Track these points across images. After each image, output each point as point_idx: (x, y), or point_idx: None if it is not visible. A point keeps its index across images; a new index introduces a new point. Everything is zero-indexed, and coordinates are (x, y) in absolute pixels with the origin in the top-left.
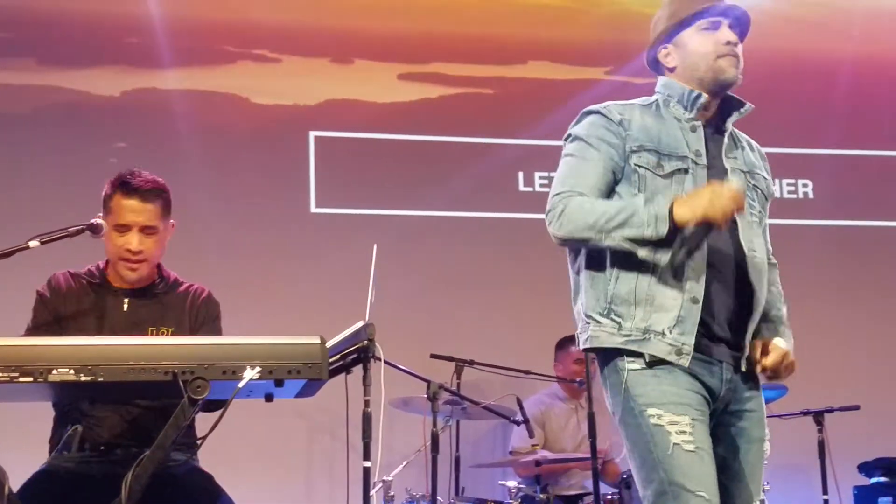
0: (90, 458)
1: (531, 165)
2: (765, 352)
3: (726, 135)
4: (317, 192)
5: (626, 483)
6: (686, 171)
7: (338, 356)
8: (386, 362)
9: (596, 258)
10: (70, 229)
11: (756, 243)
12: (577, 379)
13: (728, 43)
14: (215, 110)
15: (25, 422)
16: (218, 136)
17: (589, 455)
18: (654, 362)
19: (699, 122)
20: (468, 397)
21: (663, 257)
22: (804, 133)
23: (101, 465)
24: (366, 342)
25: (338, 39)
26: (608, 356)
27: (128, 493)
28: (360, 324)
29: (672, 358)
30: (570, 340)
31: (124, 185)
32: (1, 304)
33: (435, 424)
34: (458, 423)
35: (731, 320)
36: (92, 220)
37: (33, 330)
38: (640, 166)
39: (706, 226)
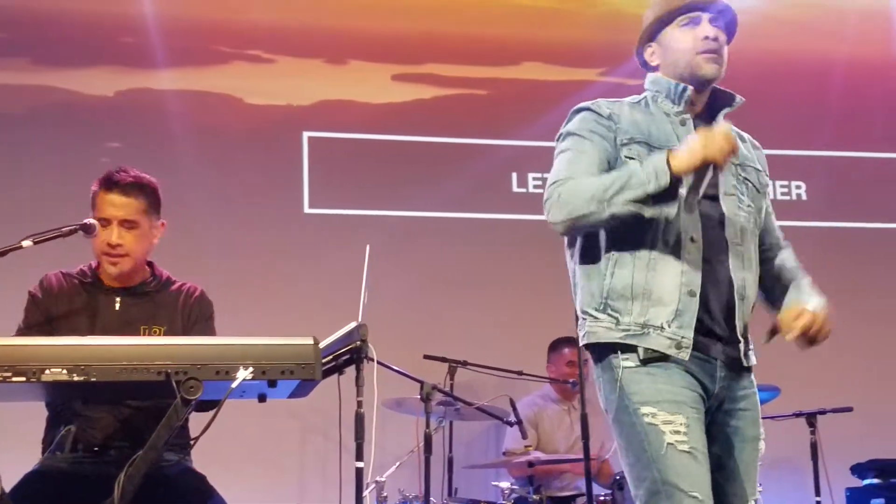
0: (83, 459)
1: (525, 166)
2: (792, 321)
3: (716, 124)
4: (310, 193)
5: (618, 484)
6: None
7: (331, 357)
8: (379, 363)
9: (590, 252)
10: (63, 229)
11: (744, 237)
12: (571, 380)
13: (706, 38)
14: (209, 111)
15: (18, 422)
16: (212, 137)
17: (582, 456)
18: (649, 360)
19: (688, 116)
20: (461, 398)
21: (659, 250)
22: (797, 134)
23: (94, 466)
24: (359, 343)
25: (332, 40)
26: (602, 353)
27: (120, 493)
28: (353, 324)
29: (672, 352)
30: (562, 342)
31: (107, 181)
32: None
33: (428, 425)
34: (451, 423)
35: (726, 316)
36: (85, 220)
37: (24, 331)
38: (630, 158)
39: (698, 180)
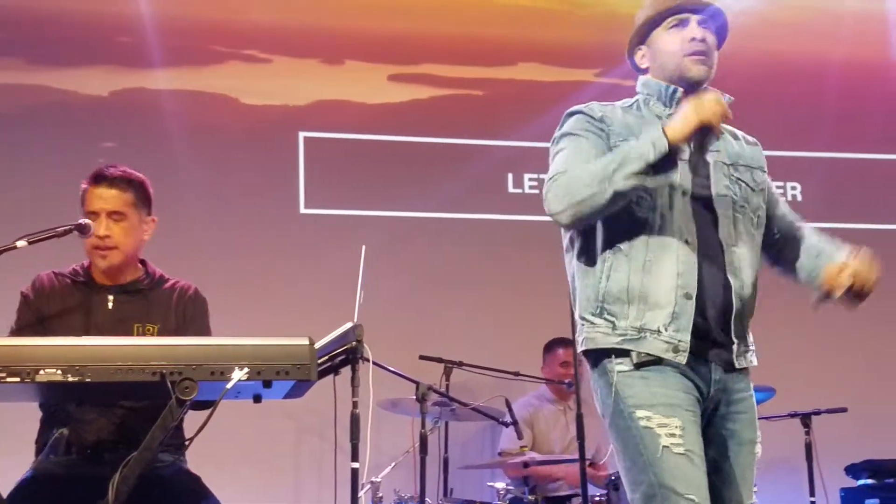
0: (77, 462)
1: (520, 167)
2: (836, 278)
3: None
4: (306, 193)
5: (613, 485)
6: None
7: (326, 357)
8: (374, 363)
9: (587, 255)
10: (58, 229)
11: (739, 238)
12: (566, 381)
13: (694, 39)
14: (204, 110)
15: (12, 423)
16: (207, 137)
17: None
18: (643, 364)
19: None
20: (457, 399)
21: (654, 252)
22: (792, 136)
23: (88, 468)
24: (354, 343)
25: (328, 40)
26: (597, 358)
27: (115, 494)
28: (348, 325)
29: (669, 356)
30: (557, 343)
31: (95, 176)
32: None
33: (423, 426)
34: (446, 424)
35: (720, 318)
36: (80, 221)
37: (16, 332)
38: None
39: (699, 145)
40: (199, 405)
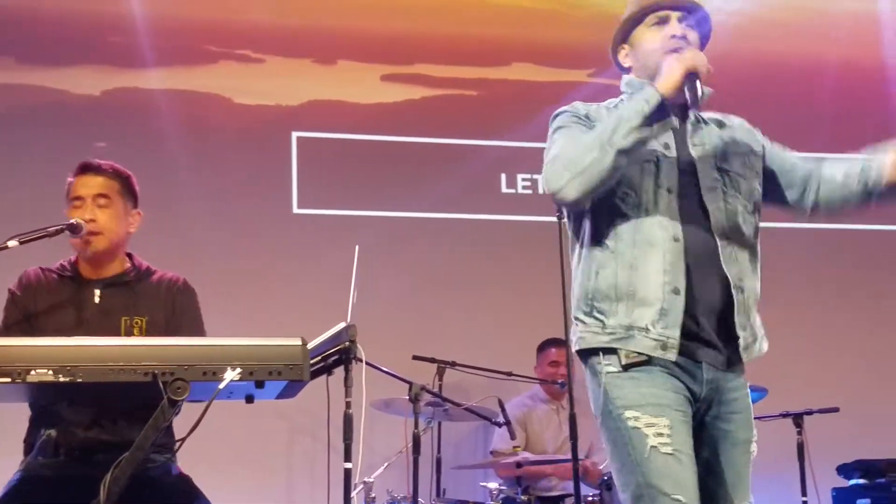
0: (66, 463)
1: (514, 167)
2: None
3: (688, 121)
4: (299, 193)
5: (606, 485)
6: (656, 161)
7: (319, 357)
8: (367, 364)
9: (581, 254)
10: (49, 229)
11: (733, 229)
12: (559, 381)
13: (674, 37)
14: (197, 110)
15: (2, 422)
16: (200, 136)
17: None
18: (631, 364)
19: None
20: (450, 399)
21: (641, 249)
22: (787, 136)
23: (77, 470)
24: (347, 343)
25: (321, 40)
26: (589, 358)
27: (106, 495)
28: (341, 325)
29: (658, 353)
30: (550, 343)
31: (80, 166)
32: None
33: (416, 426)
34: (439, 424)
35: (713, 314)
36: (71, 220)
37: (3, 330)
38: None
39: (693, 94)
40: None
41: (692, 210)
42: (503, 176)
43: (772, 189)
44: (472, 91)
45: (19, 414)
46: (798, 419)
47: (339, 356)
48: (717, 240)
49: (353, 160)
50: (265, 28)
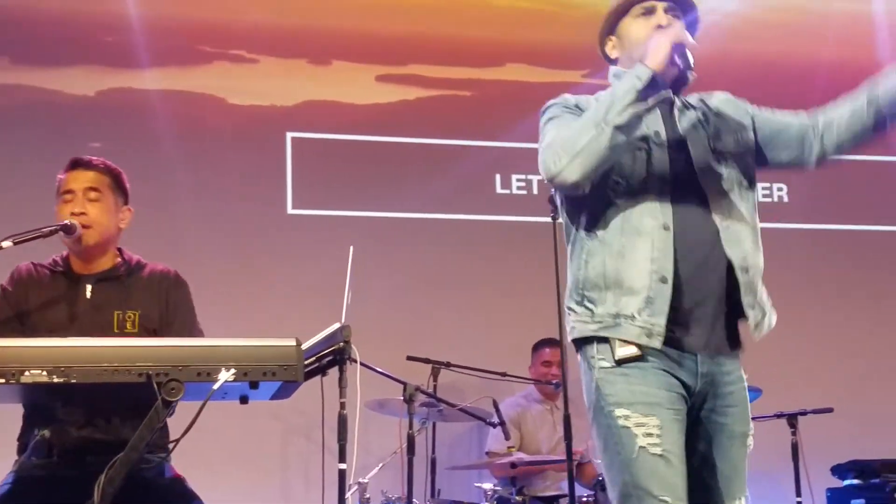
0: (61, 464)
1: (508, 168)
2: None
3: (676, 107)
4: (294, 194)
5: (601, 485)
6: (647, 149)
7: (313, 358)
8: (362, 364)
9: (573, 245)
10: (43, 230)
11: (733, 209)
12: (554, 381)
13: (660, 27)
14: (192, 110)
15: None
16: (194, 137)
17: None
18: (624, 360)
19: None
20: (444, 399)
21: (629, 237)
22: None
23: (70, 470)
24: (341, 344)
25: (316, 40)
26: (583, 350)
27: (100, 495)
28: (335, 326)
29: (643, 341)
30: (544, 343)
31: (71, 162)
32: None
33: (411, 426)
34: (434, 425)
35: (712, 298)
36: (65, 221)
37: None
38: None
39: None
40: None
41: (688, 195)
42: (498, 176)
43: (770, 154)
44: (466, 91)
45: (13, 413)
46: (792, 419)
47: (333, 357)
48: (718, 223)
49: (348, 161)
50: (259, 28)
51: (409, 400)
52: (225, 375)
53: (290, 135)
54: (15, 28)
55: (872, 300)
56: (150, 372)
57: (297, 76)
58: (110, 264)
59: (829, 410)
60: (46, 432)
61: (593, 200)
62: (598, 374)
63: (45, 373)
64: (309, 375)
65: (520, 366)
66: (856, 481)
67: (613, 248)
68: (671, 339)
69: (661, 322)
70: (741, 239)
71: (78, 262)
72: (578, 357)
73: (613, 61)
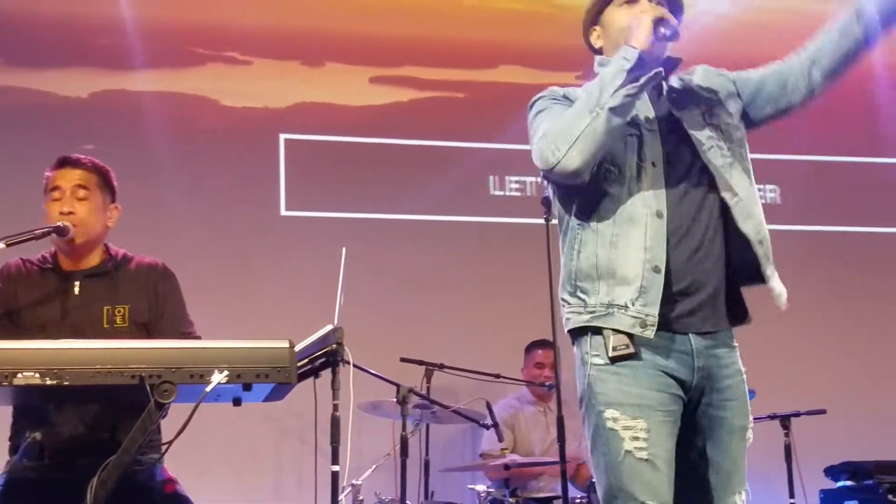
0: (52, 466)
1: (502, 169)
2: None
3: (665, 91)
4: (287, 195)
5: (594, 487)
6: (639, 136)
7: (306, 360)
8: (355, 366)
9: (564, 235)
10: (36, 231)
11: (739, 185)
12: (546, 383)
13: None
14: (185, 112)
15: None
16: (188, 139)
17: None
18: (618, 357)
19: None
20: (438, 401)
21: (621, 227)
22: (770, 138)
23: (62, 473)
24: (335, 346)
25: (309, 42)
26: (579, 343)
27: (93, 498)
28: (328, 327)
29: (636, 331)
30: (536, 344)
31: (58, 161)
32: None
33: (404, 428)
34: (427, 426)
35: (703, 289)
36: (58, 223)
37: None
38: None
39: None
40: None
41: (684, 179)
42: (491, 178)
43: (754, 114)
44: (460, 93)
45: (2, 414)
46: (785, 421)
47: (326, 358)
48: (728, 199)
49: (341, 162)
50: (253, 30)
51: (402, 402)
52: (218, 377)
53: (283, 136)
54: (9, 30)
55: (865, 302)
56: (143, 374)
57: (290, 78)
58: (98, 261)
59: (823, 412)
60: (38, 434)
61: (586, 190)
62: (591, 371)
63: (37, 375)
64: (302, 377)
65: (513, 367)
66: (849, 483)
67: (606, 238)
68: (665, 324)
69: (654, 312)
70: (752, 212)
71: (66, 260)
72: (574, 349)
73: (598, 51)
